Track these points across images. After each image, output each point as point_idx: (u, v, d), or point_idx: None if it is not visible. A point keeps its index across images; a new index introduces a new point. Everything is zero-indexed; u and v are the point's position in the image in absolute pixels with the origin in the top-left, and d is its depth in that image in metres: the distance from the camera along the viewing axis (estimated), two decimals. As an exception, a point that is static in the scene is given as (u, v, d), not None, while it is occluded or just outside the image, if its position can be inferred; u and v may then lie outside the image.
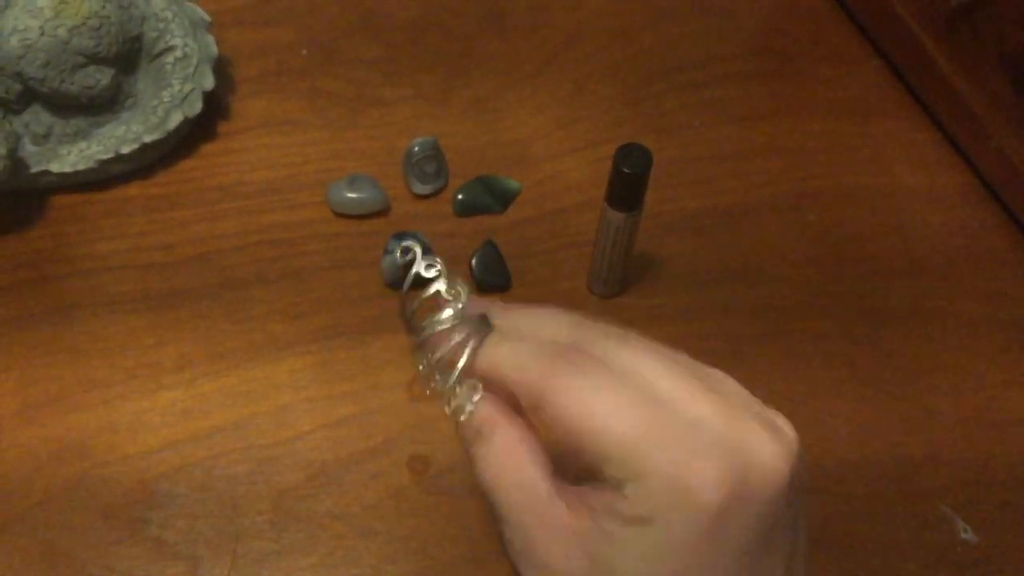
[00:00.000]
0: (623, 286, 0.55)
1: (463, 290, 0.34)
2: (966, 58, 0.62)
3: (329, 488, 0.47)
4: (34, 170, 0.56)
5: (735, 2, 0.72)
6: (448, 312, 0.33)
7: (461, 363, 0.32)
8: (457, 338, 0.32)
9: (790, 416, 0.51)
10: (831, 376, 0.53)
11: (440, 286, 0.34)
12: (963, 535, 0.47)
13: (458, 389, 0.32)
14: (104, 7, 0.55)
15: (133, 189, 0.58)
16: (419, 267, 0.35)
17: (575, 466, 0.30)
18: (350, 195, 0.57)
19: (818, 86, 0.67)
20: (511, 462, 0.31)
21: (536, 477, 0.30)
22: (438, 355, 0.33)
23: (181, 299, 0.54)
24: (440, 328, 0.33)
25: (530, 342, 0.31)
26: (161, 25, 0.59)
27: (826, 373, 0.53)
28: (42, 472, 0.47)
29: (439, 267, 0.35)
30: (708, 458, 0.27)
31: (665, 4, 0.72)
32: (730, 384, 0.31)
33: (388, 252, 0.54)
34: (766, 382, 0.52)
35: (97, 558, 0.45)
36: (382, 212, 0.58)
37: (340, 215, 0.58)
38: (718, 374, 0.31)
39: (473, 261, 0.55)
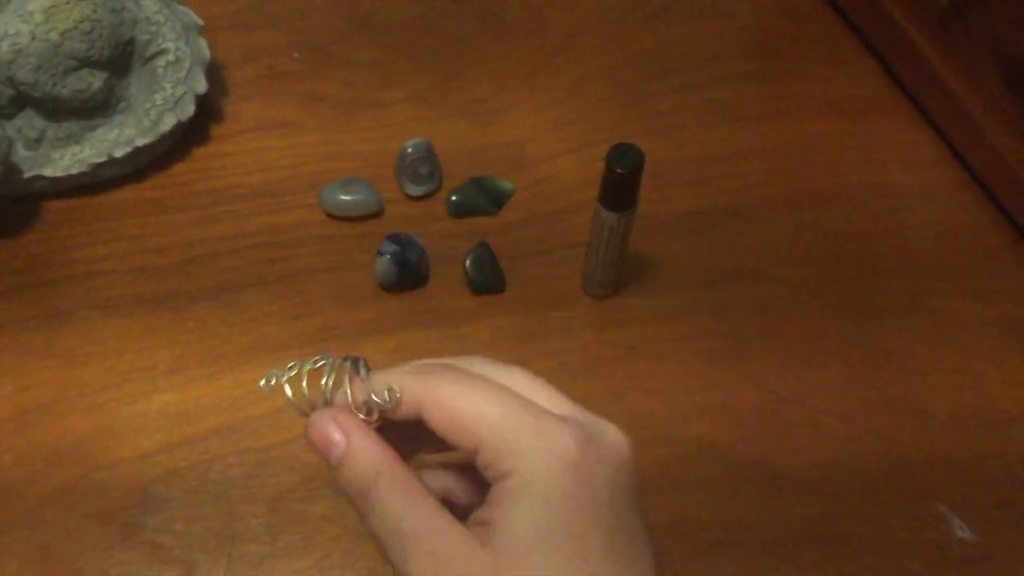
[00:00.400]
0: (618, 286, 0.55)
1: (325, 356, 0.37)
2: (959, 57, 0.62)
3: (324, 491, 0.47)
4: (27, 175, 0.56)
5: (730, 4, 0.72)
6: (326, 373, 0.36)
7: (356, 380, 0.36)
8: (347, 374, 0.36)
9: (787, 415, 0.51)
10: (827, 376, 0.53)
11: (307, 367, 0.36)
12: (959, 533, 0.47)
13: (374, 396, 0.35)
14: (95, 11, 0.55)
15: (126, 192, 0.58)
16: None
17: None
18: (344, 197, 0.57)
19: (812, 86, 0.67)
20: (412, 496, 0.33)
21: (437, 507, 0.33)
22: (343, 393, 0.36)
23: (175, 302, 0.54)
24: (331, 383, 0.36)
25: (408, 365, 0.36)
26: (153, 28, 0.58)
27: (822, 373, 0.53)
28: (37, 476, 0.47)
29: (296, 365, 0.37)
30: (565, 430, 0.33)
31: (660, 6, 0.72)
32: None
33: (382, 254, 0.53)
34: (761, 382, 0.52)
35: (93, 562, 0.45)
36: (376, 214, 0.58)
37: (334, 217, 0.57)
38: None
39: (467, 262, 0.55)
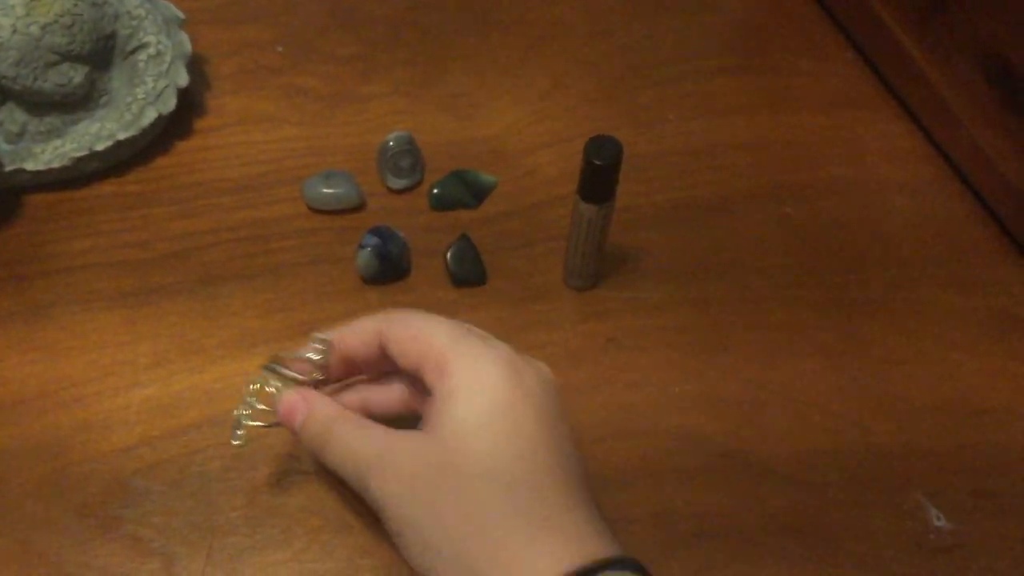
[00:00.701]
0: (598, 279, 0.55)
1: (253, 381, 0.44)
2: (940, 51, 0.62)
3: (303, 483, 0.47)
4: (8, 169, 0.56)
5: (713, -3, 0.73)
6: (269, 384, 0.43)
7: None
8: (277, 373, 0.43)
9: (767, 406, 0.52)
10: (807, 367, 0.53)
11: (252, 399, 0.44)
12: (937, 522, 0.48)
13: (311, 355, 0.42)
14: (76, 4, 0.55)
15: (108, 187, 0.58)
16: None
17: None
18: (326, 191, 0.57)
19: (794, 80, 0.68)
20: (362, 427, 0.40)
21: (384, 428, 0.40)
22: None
23: (157, 296, 0.54)
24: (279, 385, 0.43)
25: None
26: (134, 22, 0.58)
27: (802, 364, 0.53)
28: (17, 470, 0.47)
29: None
30: (501, 345, 0.40)
31: (641, 0, 0.72)
32: None
33: (363, 247, 0.54)
34: (742, 373, 0.52)
35: (73, 556, 0.45)
36: (358, 207, 0.58)
37: (316, 211, 0.57)
38: None
39: (448, 255, 0.55)
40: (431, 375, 0.39)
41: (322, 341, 0.42)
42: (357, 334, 0.42)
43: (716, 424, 0.51)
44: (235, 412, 0.44)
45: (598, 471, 0.49)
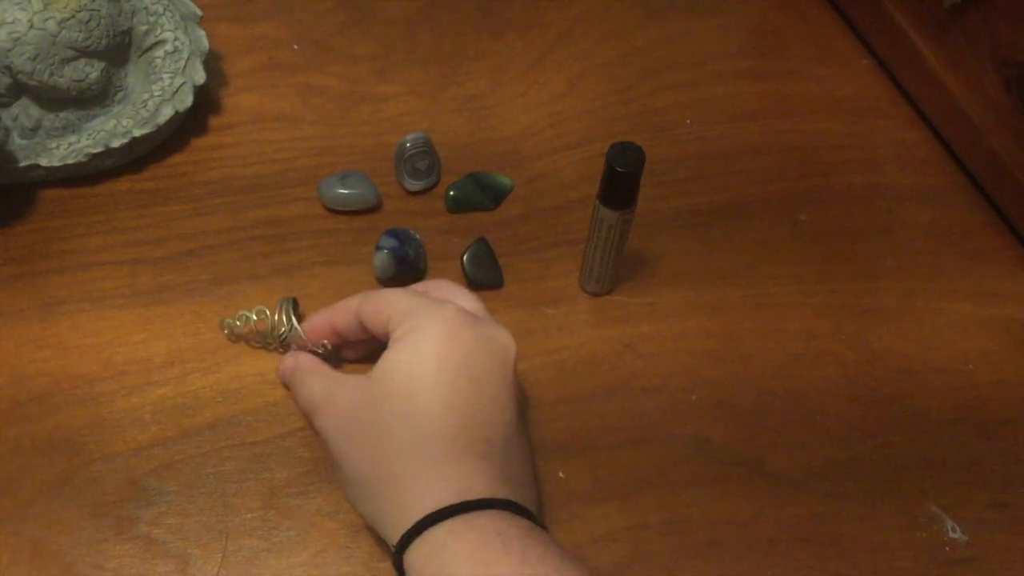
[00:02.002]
0: (615, 284, 0.55)
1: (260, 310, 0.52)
2: (958, 58, 0.62)
3: (320, 486, 0.47)
4: (23, 164, 0.55)
5: (729, 2, 0.72)
6: (278, 311, 0.51)
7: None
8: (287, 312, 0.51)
9: (781, 414, 0.51)
10: (822, 375, 0.53)
11: (253, 317, 0.51)
12: (952, 534, 0.48)
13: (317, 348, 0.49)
14: (94, 0, 0.55)
15: (123, 183, 0.58)
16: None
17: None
18: (342, 191, 0.57)
19: (810, 85, 0.67)
20: (326, 375, 0.46)
21: (341, 375, 0.45)
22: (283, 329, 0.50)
23: (171, 294, 0.53)
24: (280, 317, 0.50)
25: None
26: (152, 18, 0.58)
27: (817, 372, 0.53)
28: (30, 469, 0.47)
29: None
30: (452, 307, 0.43)
31: (659, 3, 0.72)
32: None
33: (380, 249, 0.53)
34: (757, 381, 0.52)
35: (86, 556, 0.45)
36: (374, 208, 0.57)
37: (332, 211, 0.57)
38: None
39: (465, 258, 0.54)
40: (390, 332, 0.44)
41: (323, 346, 0.49)
42: (340, 313, 0.47)
43: (731, 432, 0.50)
44: (232, 320, 0.51)
45: (612, 478, 0.49)
